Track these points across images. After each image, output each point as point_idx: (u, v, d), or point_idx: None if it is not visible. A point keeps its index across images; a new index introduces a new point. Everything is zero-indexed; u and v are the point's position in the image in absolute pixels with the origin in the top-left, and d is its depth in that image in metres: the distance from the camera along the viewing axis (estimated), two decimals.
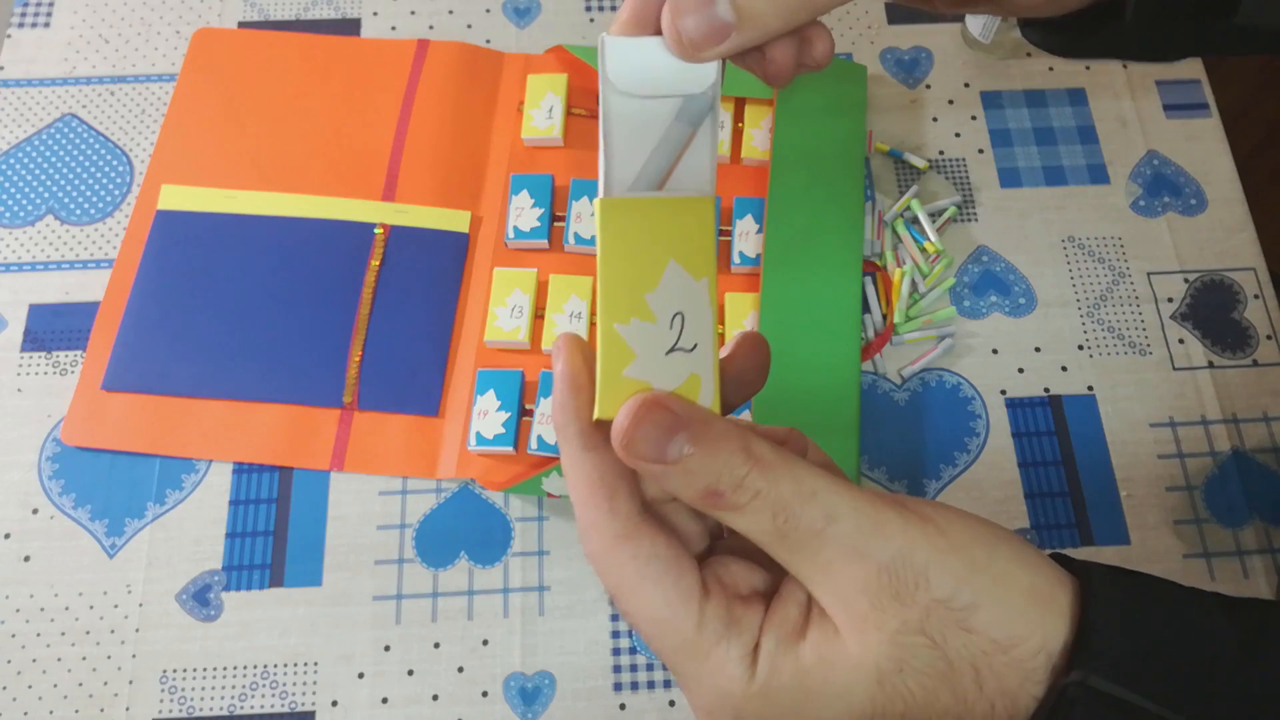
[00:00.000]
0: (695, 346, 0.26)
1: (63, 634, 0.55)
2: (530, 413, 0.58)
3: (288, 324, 0.61)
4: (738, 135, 0.66)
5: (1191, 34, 0.34)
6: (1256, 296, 0.64)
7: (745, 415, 0.57)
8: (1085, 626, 0.24)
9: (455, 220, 0.64)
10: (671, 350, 0.26)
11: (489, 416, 0.57)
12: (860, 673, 0.24)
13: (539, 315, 0.61)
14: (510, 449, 0.57)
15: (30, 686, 0.54)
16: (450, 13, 0.72)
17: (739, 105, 0.67)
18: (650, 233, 0.27)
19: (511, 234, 0.62)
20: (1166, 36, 0.34)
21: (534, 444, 0.56)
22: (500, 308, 0.60)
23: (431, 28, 0.71)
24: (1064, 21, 0.36)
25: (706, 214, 0.27)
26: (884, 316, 0.62)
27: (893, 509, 0.25)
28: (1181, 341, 0.63)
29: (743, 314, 0.60)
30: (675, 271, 0.26)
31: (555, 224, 0.63)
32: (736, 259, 0.62)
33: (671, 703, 0.54)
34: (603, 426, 0.26)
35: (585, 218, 0.62)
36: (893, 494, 0.25)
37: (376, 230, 0.63)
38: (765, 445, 0.25)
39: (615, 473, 0.25)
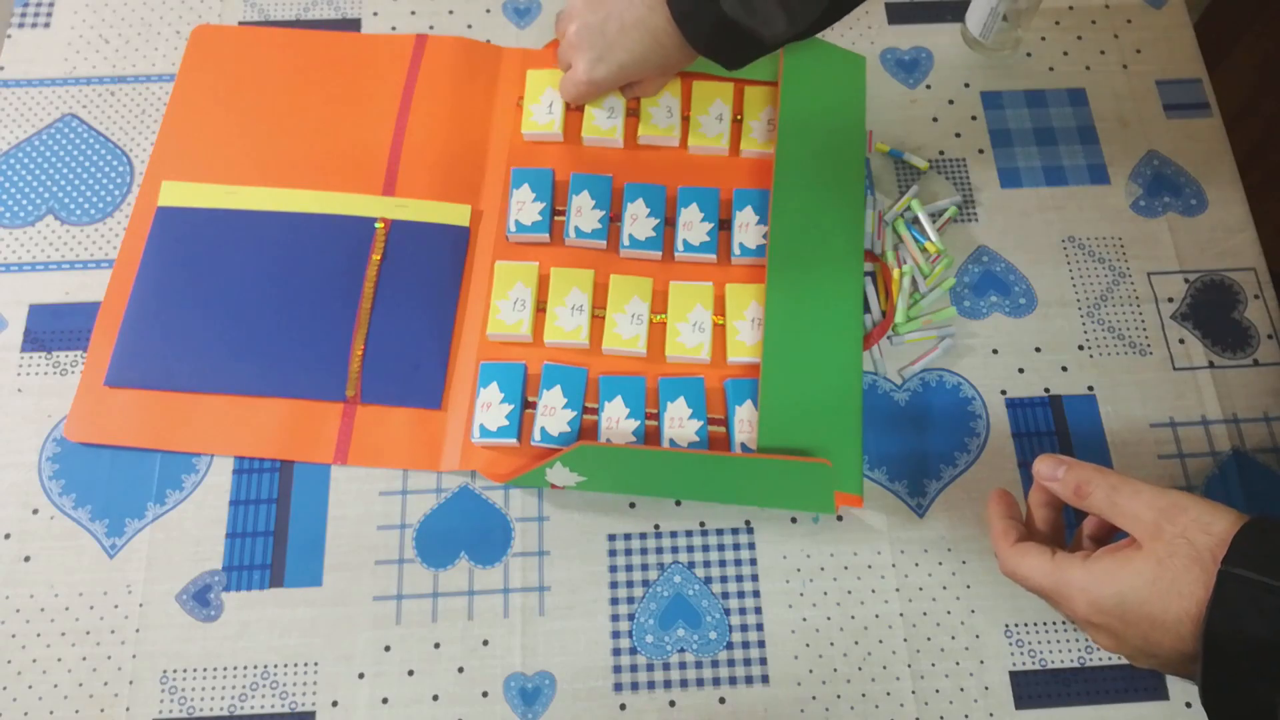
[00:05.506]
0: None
1: (63, 634, 0.54)
2: (533, 405, 0.58)
3: (290, 319, 0.61)
4: (736, 128, 0.66)
5: None
6: (1256, 296, 0.64)
7: (747, 405, 0.57)
8: (1237, 538, 0.41)
9: (456, 214, 0.64)
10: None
11: (492, 409, 0.57)
12: (1150, 561, 0.43)
13: (541, 308, 0.61)
14: (514, 441, 0.57)
15: (30, 686, 0.53)
16: (450, 13, 0.72)
17: (738, 97, 0.67)
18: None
19: (513, 228, 0.62)
20: None
21: (537, 435, 0.56)
22: (502, 301, 0.60)
23: (432, 28, 0.71)
24: None
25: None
26: (883, 313, 0.62)
27: (1170, 490, 0.45)
28: (1182, 341, 0.63)
29: (743, 305, 0.60)
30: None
31: (556, 218, 0.63)
32: (737, 250, 0.62)
33: (671, 703, 0.54)
34: (1019, 530, 0.50)
35: (585, 211, 0.62)
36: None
37: (377, 224, 0.63)
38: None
39: (1011, 527, 0.50)
